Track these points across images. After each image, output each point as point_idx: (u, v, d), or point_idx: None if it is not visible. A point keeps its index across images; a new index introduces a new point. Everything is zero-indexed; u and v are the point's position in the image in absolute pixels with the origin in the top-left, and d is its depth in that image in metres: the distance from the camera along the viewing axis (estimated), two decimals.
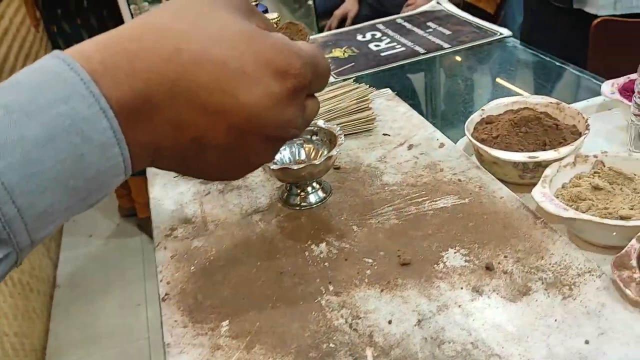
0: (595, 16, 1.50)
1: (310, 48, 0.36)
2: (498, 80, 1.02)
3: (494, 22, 2.20)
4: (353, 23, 2.29)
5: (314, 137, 0.68)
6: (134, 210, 2.40)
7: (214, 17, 0.33)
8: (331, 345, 0.48)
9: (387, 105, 0.85)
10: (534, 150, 0.66)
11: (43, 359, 1.91)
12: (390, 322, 0.49)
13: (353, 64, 1.09)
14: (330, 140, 0.65)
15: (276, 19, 1.08)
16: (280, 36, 0.34)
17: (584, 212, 0.57)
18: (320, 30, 2.39)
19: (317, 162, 0.60)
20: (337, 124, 0.78)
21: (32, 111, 0.27)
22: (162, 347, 0.50)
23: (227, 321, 0.51)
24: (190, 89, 0.31)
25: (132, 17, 2.03)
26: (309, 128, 0.67)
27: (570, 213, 0.55)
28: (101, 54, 0.30)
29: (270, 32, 0.35)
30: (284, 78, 0.33)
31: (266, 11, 1.11)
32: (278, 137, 0.36)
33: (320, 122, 0.67)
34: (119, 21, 1.96)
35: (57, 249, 2.50)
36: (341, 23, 2.36)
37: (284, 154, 0.66)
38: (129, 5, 2.02)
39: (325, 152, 0.64)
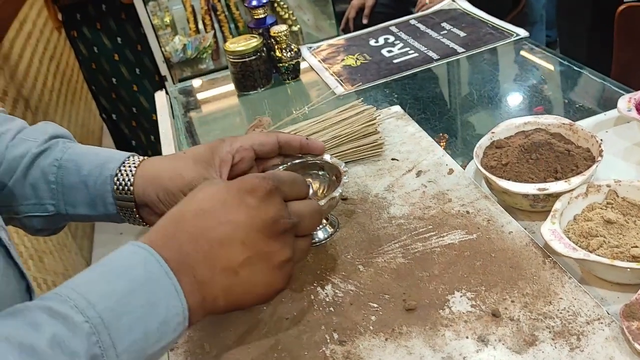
0: (621, 2, 1.45)
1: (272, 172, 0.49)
2: (513, 86, 0.99)
3: (518, 2, 2.14)
4: (370, 12, 2.25)
5: (321, 172, 0.67)
6: None
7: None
8: None
9: (396, 125, 0.83)
10: (545, 178, 0.64)
11: None
12: None
13: (359, 76, 1.07)
14: (336, 176, 0.65)
15: (285, 31, 1.06)
16: (237, 179, 0.47)
17: (595, 250, 0.55)
18: (338, 22, 2.36)
19: (322, 202, 0.60)
20: (345, 150, 0.77)
21: (119, 273, 0.39)
22: None
23: None
24: (205, 238, 0.43)
25: (150, 17, 2.04)
26: (316, 162, 0.67)
27: (580, 254, 0.54)
28: (160, 241, 0.43)
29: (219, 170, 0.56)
30: (253, 192, 0.44)
31: (275, 23, 1.10)
32: (275, 231, 0.44)
33: (327, 157, 0.67)
34: (138, 23, 1.96)
35: (89, 247, 2.57)
36: (359, 12, 2.32)
37: None
38: (145, 6, 2.03)
39: (332, 190, 0.63)
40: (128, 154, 0.59)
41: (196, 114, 1.13)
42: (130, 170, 0.56)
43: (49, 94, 2.52)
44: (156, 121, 1.05)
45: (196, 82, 1.24)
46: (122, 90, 2.16)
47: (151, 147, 2.29)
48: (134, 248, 0.41)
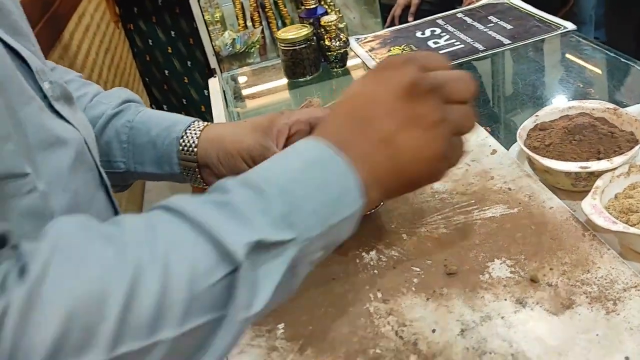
0: None
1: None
2: (559, 77, 1.00)
3: (567, 1, 2.12)
4: (416, 10, 2.27)
5: None
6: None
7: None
8: (377, 351, 0.52)
9: None
10: (587, 159, 0.66)
11: None
12: (434, 330, 0.52)
13: None
14: None
15: (335, 21, 1.10)
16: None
17: (635, 225, 0.57)
18: (384, 20, 2.38)
19: None
20: None
21: (298, 154, 0.41)
22: None
23: (283, 324, 0.56)
24: (359, 109, 0.43)
25: (202, 13, 2.11)
26: None
27: (620, 227, 0.55)
28: (321, 132, 0.43)
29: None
30: (387, 64, 0.44)
31: (325, 13, 1.14)
32: (418, 91, 0.42)
33: None
34: (191, 18, 2.04)
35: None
36: (405, 10, 2.35)
37: None
38: (198, 2, 2.10)
39: None
40: (193, 119, 0.64)
41: (246, 98, 1.18)
42: (195, 133, 0.61)
43: (104, 85, 2.63)
44: (204, 113, 1.10)
45: (247, 70, 1.29)
46: (174, 82, 2.24)
47: None
48: (300, 142, 0.42)
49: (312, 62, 1.13)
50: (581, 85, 0.95)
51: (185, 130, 0.62)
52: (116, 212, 0.55)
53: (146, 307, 0.32)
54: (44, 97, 0.46)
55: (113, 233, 0.34)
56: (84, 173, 0.49)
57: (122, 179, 0.64)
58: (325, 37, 1.13)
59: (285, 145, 0.63)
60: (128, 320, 0.31)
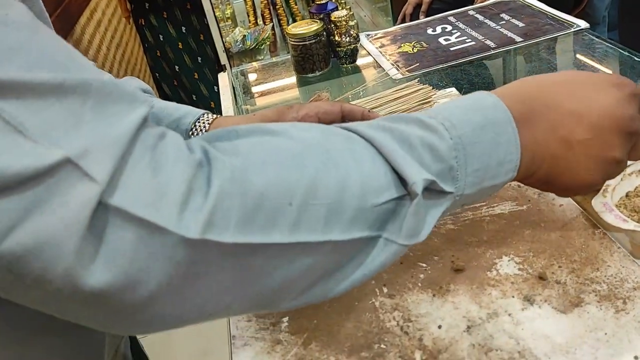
0: None
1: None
2: None
3: (581, 1, 2.10)
4: (427, 8, 2.26)
5: None
6: None
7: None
8: (382, 346, 0.51)
9: None
10: None
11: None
12: (440, 327, 0.52)
13: (418, 63, 1.09)
14: None
15: (345, 16, 1.10)
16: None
17: None
18: (395, 19, 2.37)
19: None
20: None
21: (476, 108, 0.42)
22: (227, 339, 0.55)
23: (287, 318, 0.56)
24: (557, 102, 0.44)
25: (213, 9, 2.12)
26: None
27: (630, 225, 0.54)
28: (507, 91, 0.45)
29: None
30: (621, 86, 0.45)
31: (336, 9, 1.13)
32: (627, 130, 0.45)
33: None
34: (202, 14, 2.04)
35: None
36: (416, 8, 2.34)
37: None
38: None
39: None
40: (203, 111, 0.63)
41: (255, 93, 1.18)
42: (204, 125, 0.61)
43: None
44: (213, 109, 1.11)
45: (256, 66, 1.29)
46: (184, 78, 2.25)
47: None
48: (484, 95, 0.44)
49: (322, 58, 1.13)
50: None
51: (195, 122, 0.62)
52: None
53: (322, 203, 0.34)
54: None
55: (304, 136, 0.37)
56: None
57: None
58: (336, 32, 1.12)
59: None
60: (308, 210, 0.34)
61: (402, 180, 0.37)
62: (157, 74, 2.30)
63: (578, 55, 1.05)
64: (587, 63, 1.01)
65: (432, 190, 0.39)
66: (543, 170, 0.45)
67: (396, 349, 0.50)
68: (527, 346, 0.48)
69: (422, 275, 0.57)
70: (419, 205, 0.37)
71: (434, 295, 0.55)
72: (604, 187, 0.60)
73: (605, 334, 0.48)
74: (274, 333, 0.54)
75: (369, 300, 0.56)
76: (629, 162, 0.62)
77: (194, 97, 2.31)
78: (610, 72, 0.97)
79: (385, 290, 0.57)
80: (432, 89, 0.83)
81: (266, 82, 1.22)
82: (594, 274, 0.53)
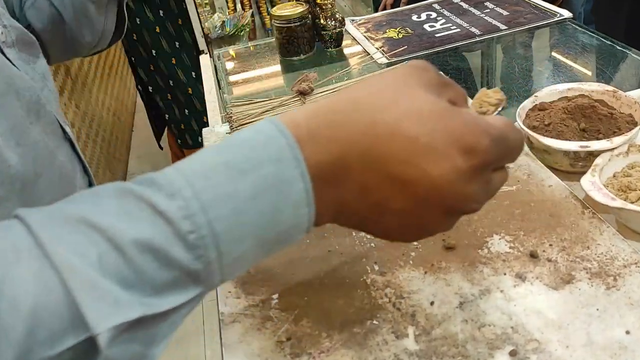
0: None
1: (501, 123, 0.36)
2: (556, 64, 1.00)
3: None
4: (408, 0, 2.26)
5: None
6: None
7: (407, 93, 0.35)
8: (374, 322, 0.50)
9: None
10: (587, 139, 0.65)
11: None
12: (432, 303, 0.51)
13: (406, 46, 1.09)
14: None
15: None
16: (470, 113, 0.36)
17: (633, 203, 0.57)
18: (375, 9, 2.37)
19: None
20: None
21: (246, 169, 0.31)
22: (216, 316, 0.54)
23: (277, 295, 0.55)
24: (381, 159, 0.33)
25: (197, 9, 2.08)
26: None
27: (618, 203, 0.55)
28: (307, 122, 0.34)
29: (461, 105, 0.37)
30: (470, 155, 0.33)
31: None
32: (457, 210, 0.36)
33: None
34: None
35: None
36: None
37: None
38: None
39: None
40: None
41: (238, 75, 1.16)
42: None
43: (88, 64, 2.58)
44: (191, 95, 1.08)
45: (239, 48, 1.27)
46: (161, 62, 2.20)
47: (184, 121, 2.33)
48: (273, 132, 0.33)
49: (307, 41, 1.11)
50: (576, 72, 0.95)
51: None
52: (83, 166, 0.53)
53: None
54: None
55: None
56: (43, 126, 0.47)
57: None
58: (321, 15, 1.11)
59: None
60: None
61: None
62: (133, 58, 2.24)
63: (562, 44, 1.06)
64: (571, 51, 1.02)
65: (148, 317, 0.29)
66: (349, 224, 0.37)
67: (389, 325, 0.50)
68: (520, 321, 0.48)
69: (413, 254, 0.57)
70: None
71: (425, 273, 0.54)
72: (592, 167, 0.61)
73: (597, 309, 0.48)
74: (264, 310, 0.53)
75: (360, 277, 0.55)
76: (616, 143, 0.62)
77: (170, 82, 2.27)
78: (595, 59, 0.98)
79: (376, 267, 0.56)
80: None
81: (249, 65, 1.20)
82: (585, 252, 0.54)
